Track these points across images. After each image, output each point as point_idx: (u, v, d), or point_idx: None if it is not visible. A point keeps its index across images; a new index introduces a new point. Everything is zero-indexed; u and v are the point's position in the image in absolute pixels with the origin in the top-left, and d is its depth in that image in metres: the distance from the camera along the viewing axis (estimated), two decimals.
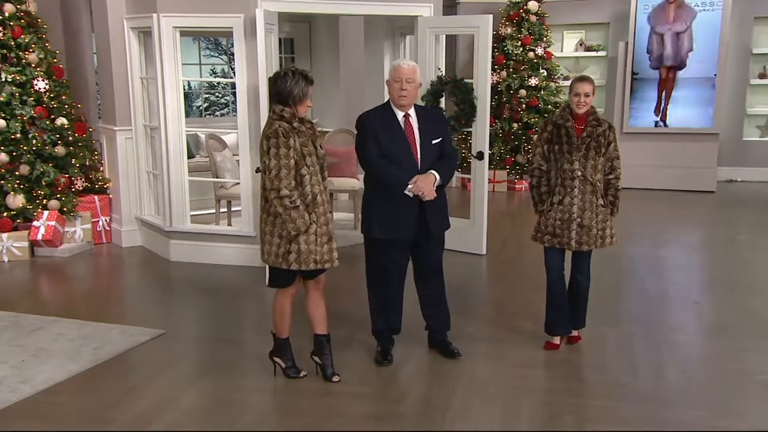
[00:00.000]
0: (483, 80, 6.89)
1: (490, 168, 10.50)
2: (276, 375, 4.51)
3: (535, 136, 5.04)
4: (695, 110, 10.61)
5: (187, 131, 7.22)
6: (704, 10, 10.40)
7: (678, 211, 9.59)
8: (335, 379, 4.44)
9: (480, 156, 7.00)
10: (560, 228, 4.72)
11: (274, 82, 4.17)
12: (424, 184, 4.45)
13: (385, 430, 3.92)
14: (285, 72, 4.15)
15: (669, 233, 8.50)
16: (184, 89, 7.31)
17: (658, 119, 10.75)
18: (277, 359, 4.51)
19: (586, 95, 4.61)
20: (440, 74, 7.14)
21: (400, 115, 4.53)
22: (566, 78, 11.75)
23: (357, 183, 8.25)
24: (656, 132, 10.78)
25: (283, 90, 4.11)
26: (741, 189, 10.99)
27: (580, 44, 11.88)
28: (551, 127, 4.75)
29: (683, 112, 10.66)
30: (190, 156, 9.60)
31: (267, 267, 4.35)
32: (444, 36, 7.45)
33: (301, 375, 4.49)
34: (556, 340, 4.98)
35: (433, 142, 4.54)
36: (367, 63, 9.27)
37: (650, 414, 4.08)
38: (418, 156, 4.50)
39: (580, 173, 4.64)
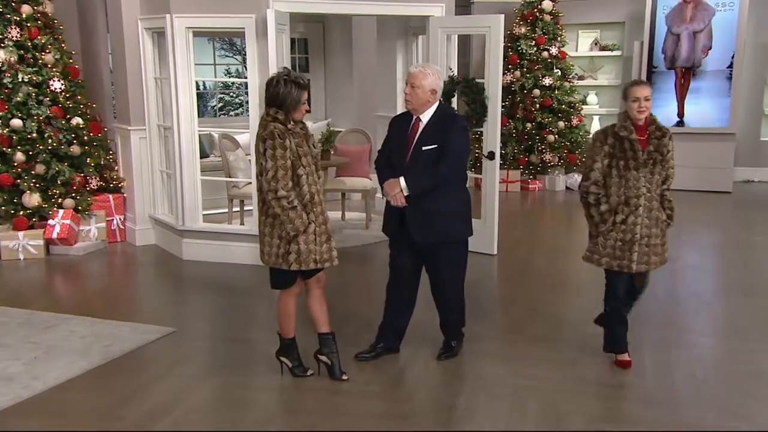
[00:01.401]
0: (494, 80, 6.88)
1: (503, 168, 10.53)
2: (283, 374, 4.53)
3: (589, 147, 4.43)
4: (711, 103, 10.50)
5: (201, 131, 7.27)
6: (720, 10, 10.31)
7: (693, 212, 9.47)
8: (345, 377, 4.45)
9: (491, 156, 6.99)
10: (621, 249, 4.37)
11: (267, 87, 4.19)
12: (388, 188, 4.45)
13: (391, 429, 3.93)
14: (277, 79, 4.16)
15: (683, 234, 8.41)
16: (199, 89, 7.36)
17: (679, 120, 10.69)
18: (283, 359, 4.53)
19: (646, 99, 4.28)
20: (452, 74, 7.13)
21: (414, 118, 4.55)
22: (581, 77, 11.72)
23: (369, 182, 8.26)
24: (672, 131, 10.65)
25: (276, 97, 4.14)
26: (758, 190, 10.88)
27: (595, 44, 11.81)
28: (612, 139, 4.34)
29: (699, 108, 10.55)
30: (204, 155, 9.65)
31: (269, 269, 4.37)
32: (456, 36, 7.43)
33: (308, 374, 4.51)
34: (626, 356, 4.67)
35: (424, 148, 4.43)
36: (380, 63, 9.28)
37: (659, 415, 4.05)
38: (407, 161, 4.47)
39: (646, 190, 4.31)
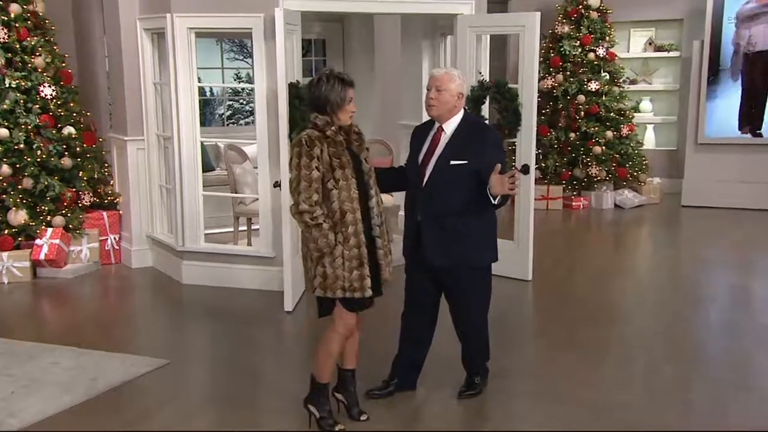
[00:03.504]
0: (529, 85, 6.89)
1: (544, 183, 10.53)
2: (311, 426, 4.37)
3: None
4: None
5: (205, 141, 7.33)
6: None
7: (757, 234, 9.28)
8: (363, 417, 4.45)
9: (525, 170, 6.98)
10: None
11: (309, 89, 4.23)
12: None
13: None
14: (319, 77, 4.16)
15: (761, 261, 8.17)
16: (206, 96, 7.45)
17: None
18: (311, 407, 4.36)
19: None
20: (481, 79, 7.16)
21: (436, 127, 4.58)
22: (633, 81, 11.67)
23: (390, 199, 8.28)
24: (739, 143, 10.54)
25: (319, 97, 4.13)
26: None
27: (650, 43, 11.78)
28: None
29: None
30: (210, 169, 9.77)
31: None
32: (488, 37, 7.47)
33: (337, 429, 4.30)
34: None
35: (453, 162, 4.42)
36: (405, 66, 9.33)
37: None
38: (426, 173, 4.49)
39: None
